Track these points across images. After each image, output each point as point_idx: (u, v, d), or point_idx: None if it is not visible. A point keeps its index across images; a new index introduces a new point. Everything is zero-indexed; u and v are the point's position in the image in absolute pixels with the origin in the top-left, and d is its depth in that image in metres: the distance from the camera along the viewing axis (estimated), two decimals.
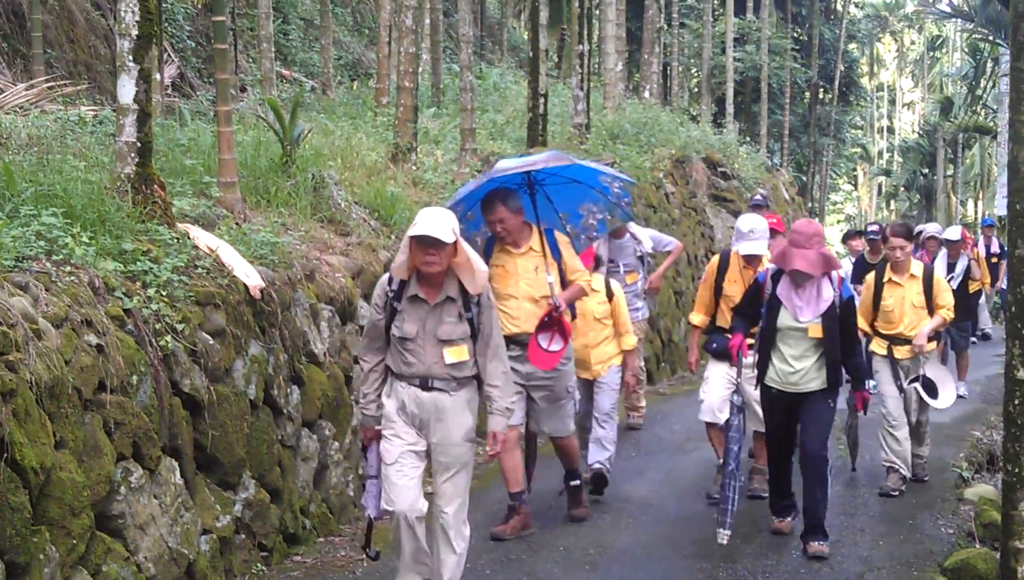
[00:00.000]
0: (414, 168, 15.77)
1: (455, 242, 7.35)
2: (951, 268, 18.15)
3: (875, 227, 17.95)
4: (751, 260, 10.81)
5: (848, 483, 12.14)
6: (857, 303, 10.49)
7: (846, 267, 17.72)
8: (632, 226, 13.92)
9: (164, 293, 8.25)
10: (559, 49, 35.93)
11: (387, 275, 7.68)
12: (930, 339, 11.66)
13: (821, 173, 52.52)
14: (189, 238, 9.32)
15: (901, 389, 11.67)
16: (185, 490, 8.13)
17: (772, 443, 10.03)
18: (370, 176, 14.06)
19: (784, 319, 9.51)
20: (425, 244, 7.30)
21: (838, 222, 76.84)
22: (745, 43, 41.20)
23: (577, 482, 10.61)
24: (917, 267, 11.65)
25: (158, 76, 14.56)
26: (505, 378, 7.81)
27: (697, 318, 11.37)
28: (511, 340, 9.32)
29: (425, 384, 7.64)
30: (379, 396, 7.82)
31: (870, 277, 11.89)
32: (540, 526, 10.14)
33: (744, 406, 10.03)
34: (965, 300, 17.78)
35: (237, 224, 10.42)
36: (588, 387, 11.62)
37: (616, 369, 11.72)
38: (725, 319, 10.95)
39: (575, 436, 10.59)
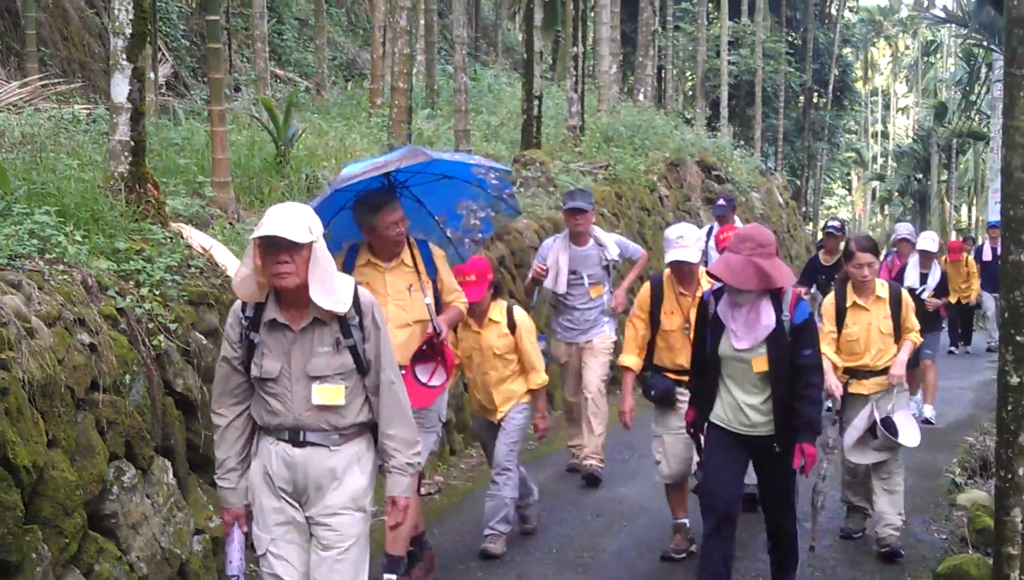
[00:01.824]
0: None
1: (311, 244, 5.70)
2: (923, 278, 16.04)
3: (837, 222, 16.43)
4: (682, 276, 9.20)
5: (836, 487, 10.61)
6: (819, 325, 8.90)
7: None
8: (596, 231, 12.07)
9: (157, 292, 8.23)
10: (554, 51, 35.89)
11: (240, 302, 5.99)
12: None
13: (815, 177, 52.56)
14: (182, 237, 9.31)
15: (871, 429, 9.59)
16: (178, 490, 8.11)
17: (713, 509, 7.89)
18: None
19: (726, 346, 7.79)
20: (274, 248, 5.63)
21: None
22: (740, 46, 41.28)
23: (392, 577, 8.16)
24: (883, 288, 9.84)
25: (152, 75, 14.57)
26: (405, 424, 6.03)
27: (629, 359, 9.44)
28: None
29: (296, 438, 5.90)
30: (242, 462, 6.10)
31: (828, 302, 9.99)
32: (528, 529, 10.13)
33: None
34: (929, 312, 15.34)
35: (231, 224, 10.42)
36: (492, 430, 9.82)
37: (520, 408, 9.73)
38: (664, 357, 9.38)
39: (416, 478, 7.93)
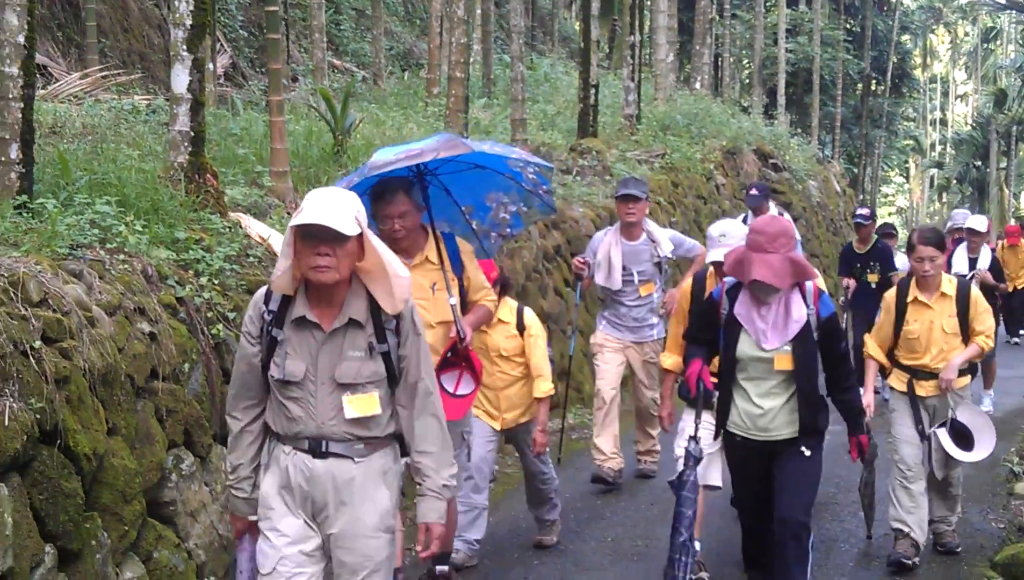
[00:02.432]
0: None
1: (361, 236, 5.12)
2: (972, 263, 15.67)
3: (865, 211, 16.00)
4: (723, 275, 8.11)
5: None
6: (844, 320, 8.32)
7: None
8: (650, 225, 11.29)
9: (216, 282, 8.30)
10: (610, 40, 35.83)
11: (264, 289, 5.43)
12: (962, 373, 9.11)
13: (873, 165, 52.22)
14: (241, 227, 9.38)
15: (923, 435, 9.05)
16: None
17: (745, 512, 8.04)
18: None
19: (745, 347, 7.28)
20: (316, 238, 5.03)
21: (890, 215, 76.46)
22: (797, 34, 41.02)
23: (445, 569, 8.22)
24: (949, 284, 9.05)
25: (211, 66, 14.67)
26: (441, 440, 5.44)
27: (669, 360, 8.82)
28: None
29: (318, 449, 5.31)
30: (255, 471, 5.56)
31: (890, 295, 9.26)
32: (588, 516, 10.15)
33: (701, 458, 7.70)
34: (989, 300, 15.18)
35: (289, 213, 10.47)
36: (492, 435, 9.17)
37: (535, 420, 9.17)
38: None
39: (454, 502, 8.04)
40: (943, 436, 8.92)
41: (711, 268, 8.61)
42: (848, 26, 45.81)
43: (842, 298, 15.79)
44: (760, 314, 7.20)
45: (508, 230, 8.35)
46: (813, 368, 7.25)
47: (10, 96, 8.28)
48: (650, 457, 11.75)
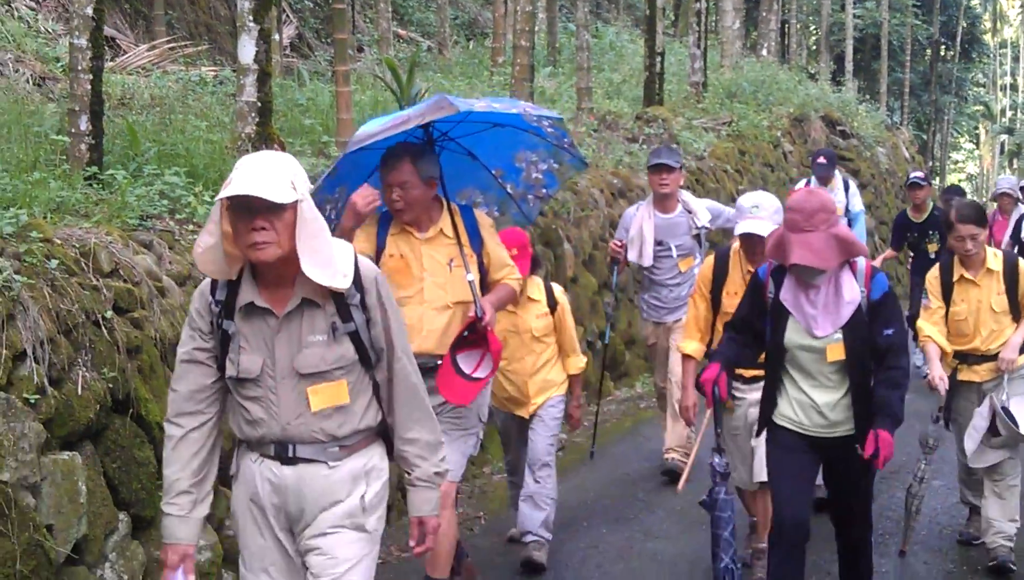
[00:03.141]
0: None
1: (296, 204, 4.39)
2: (1017, 231, 13.91)
3: (920, 173, 14.67)
4: (753, 252, 7.72)
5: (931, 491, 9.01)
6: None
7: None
8: (685, 195, 10.41)
9: None
10: (676, 7, 35.63)
11: (208, 281, 4.72)
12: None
13: (942, 131, 51.71)
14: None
15: (990, 427, 8.05)
16: None
17: (783, 533, 6.57)
18: None
19: (793, 334, 6.45)
20: (248, 211, 4.35)
21: (959, 181, 75.76)
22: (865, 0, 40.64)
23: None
24: (995, 258, 8.21)
25: (277, 36, 14.72)
26: (428, 424, 4.84)
27: (690, 346, 8.04)
28: None
29: (284, 454, 4.63)
30: (197, 485, 4.68)
31: (933, 275, 8.42)
32: (652, 486, 10.12)
33: (728, 472, 6.94)
34: None
35: None
36: (521, 427, 8.70)
37: (559, 398, 8.61)
38: None
39: (455, 487, 7.26)
40: (1001, 418, 7.92)
41: (736, 243, 7.90)
42: None
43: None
44: (808, 298, 6.36)
45: (544, 191, 7.74)
46: (866, 356, 6.38)
47: (79, 68, 8.35)
48: (680, 450, 10.35)
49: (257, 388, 4.58)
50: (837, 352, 6.34)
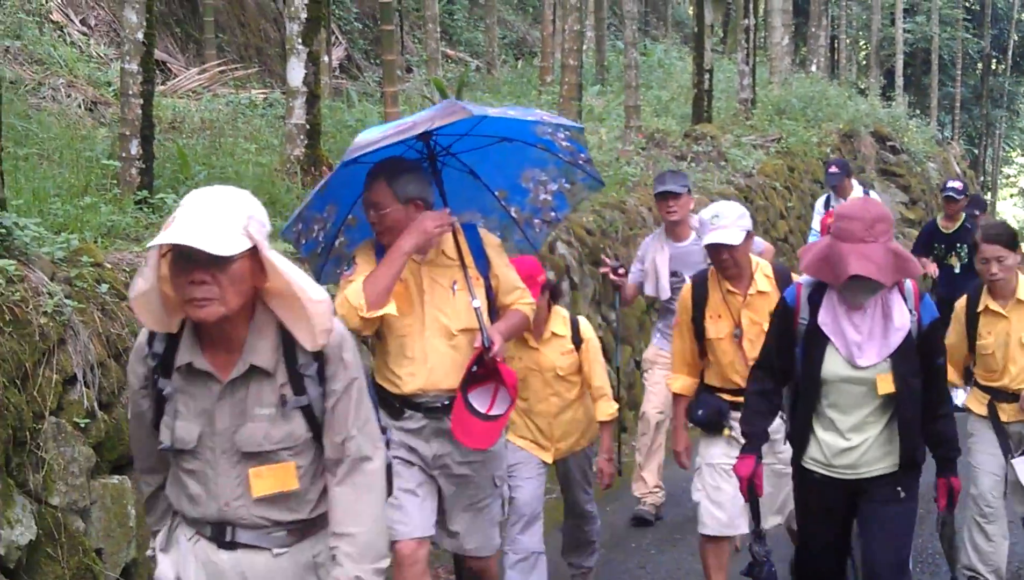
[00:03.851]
0: None
1: (252, 252, 3.71)
2: None
3: (957, 184, 13.43)
4: (724, 266, 6.94)
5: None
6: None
7: None
8: (697, 221, 8.70)
9: None
10: (724, 24, 35.53)
11: (147, 330, 3.97)
12: None
13: (994, 146, 51.30)
14: None
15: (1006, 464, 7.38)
16: None
17: (810, 564, 6.22)
18: None
19: (833, 365, 5.69)
20: (188, 262, 3.66)
21: (1011, 196, 75.17)
22: (915, 13, 40.46)
23: None
24: None
25: (326, 58, 14.78)
26: (374, 521, 3.98)
27: (678, 382, 7.28)
28: (410, 404, 6.01)
29: (222, 537, 3.97)
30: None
31: (960, 305, 7.61)
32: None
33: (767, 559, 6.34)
34: None
35: None
36: (557, 473, 7.92)
37: (588, 451, 7.89)
38: (713, 375, 7.16)
39: (496, 559, 6.67)
40: (1020, 466, 7.32)
41: (711, 266, 7.14)
42: (967, 4, 45.06)
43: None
44: (853, 323, 5.65)
45: (553, 214, 6.81)
46: (918, 389, 5.70)
47: (130, 92, 8.42)
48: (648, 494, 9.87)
49: (195, 461, 3.90)
50: (887, 384, 5.62)
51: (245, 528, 3.93)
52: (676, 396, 7.32)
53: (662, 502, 9.82)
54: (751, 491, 5.93)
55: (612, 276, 9.46)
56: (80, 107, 11.22)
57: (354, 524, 3.92)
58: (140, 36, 8.43)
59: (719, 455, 6.99)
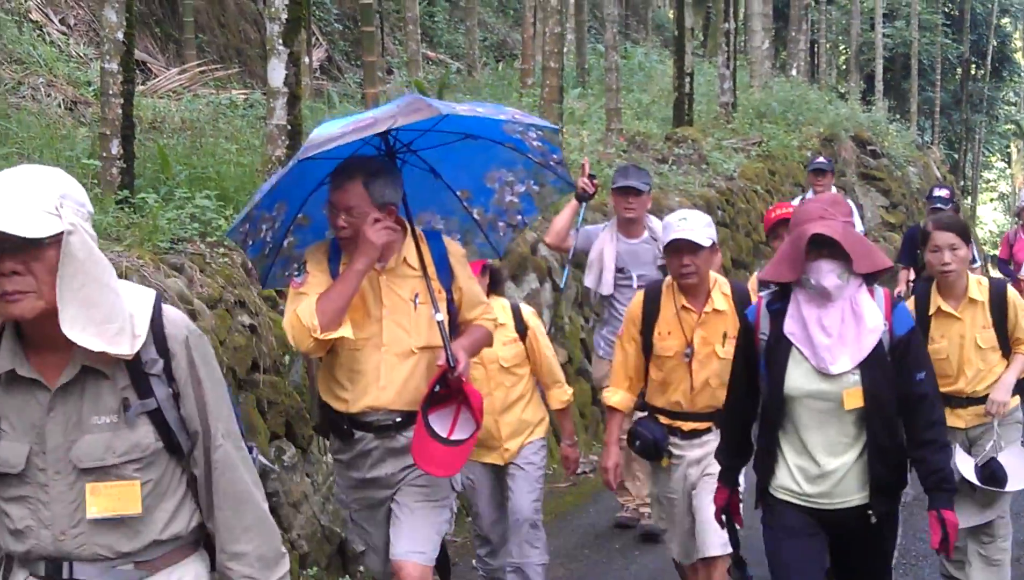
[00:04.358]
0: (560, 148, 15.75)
1: (66, 237, 3.17)
2: None
3: (944, 192, 12.22)
4: (681, 267, 6.39)
5: None
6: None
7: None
8: (653, 221, 9.10)
9: None
10: (704, 28, 35.64)
11: None
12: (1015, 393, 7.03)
13: (973, 151, 51.46)
14: None
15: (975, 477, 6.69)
16: None
17: None
18: None
19: (798, 378, 5.12)
20: None
21: (991, 201, 75.47)
22: (894, 18, 40.56)
23: None
24: (979, 287, 6.90)
25: (307, 59, 14.76)
26: (260, 530, 3.56)
27: (615, 396, 6.73)
28: (360, 423, 5.59)
29: (58, 574, 3.40)
30: None
31: (910, 305, 6.74)
32: None
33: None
34: None
35: None
36: (497, 477, 7.35)
37: (540, 443, 7.37)
38: (656, 394, 6.68)
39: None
40: (963, 463, 6.68)
41: (668, 277, 6.70)
42: (946, 9, 45.19)
43: (897, 292, 11.49)
44: (822, 326, 5.09)
45: (519, 218, 6.35)
46: (890, 406, 5.13)
47: (111, 92, 8.39)
48: (629, 499, 9.64)
49: (23, 485, 3.34)
50: (856, 398, 5.05)
51: (85, 562, 3.36)
52: (611, 410, 6.78)
53: (647, 509, 9.13)
54: (728, 520, 5.65)
55: (584, 180, 9.07)
56: (60, 107, 11.17)
57: (242, 541, 3.51)
58: (120, 36, 8.40)
59: (671, 487, 6.69)
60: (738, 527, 5.67)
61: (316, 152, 5.21)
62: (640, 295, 6.75)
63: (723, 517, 5.62)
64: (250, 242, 5.70)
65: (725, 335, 6.40)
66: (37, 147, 9.09)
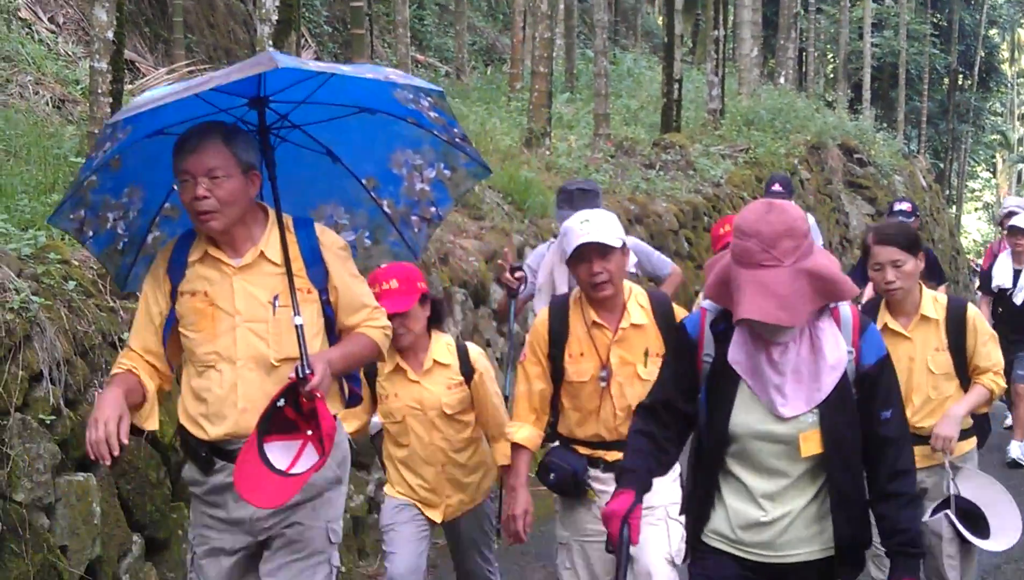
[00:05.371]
0: (548, 153, 15.82)
1: None
2: (1018, 275, 11.56)
3: (907, 205, 11.40)
4: (593, 276, 5.44)
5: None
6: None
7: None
8: (562, 231, 6.94)
9: None
10: (694, 34, 35.71)
11: None
12: (963, 434, 6.19)
13: (959, 160, 51.62)
14: None
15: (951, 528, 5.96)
16: None
17: None
18: (504, 161, 14.09)
19: (745, 415, 4.18)
20: None
21: (975, 210, 75.61)
22: (883, 28, 40.71)
23: None
24: (934, 304, 6.13)
25: None
26: None
27: (521, 432, 5.70)
28: (220, 451, 4.68)
29: None
30: None
31: None
32: None
33: None
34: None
35: None
36: (446, 535, 6.64)
37: (489, 500, 6.56)
38: (572, 423, 5.69)
39: None
40: (950, 518, 5.93)
41: (576, 290, 5.77)
42: (935, 20, 45.37)
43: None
44: (771, 360, 4.14)
45: (432, 210, 5.33)
46: (856, 451, 4.20)
47: (100, 91, 8.38)
48: None
49: None
50: (813, 444, 4.14)
51: None
52: (517, 448, 5.72)
53: None
54: (623, 539, 4.21)
55: (507, 276, 7.60)
56: (48, 105, 11.15)
57: None
58: (110, 35, 8.40)
59: (590, 528, 5.61)
60: (633, 545, 4.29)
61: (138, 111, 4.25)
62: (544, 312, 5.78)
63: (622, 529, 4.22)
64: (90, 233, 4.79)
65: (647, 353, 5.52)
66: (25, 145, 9.07)
